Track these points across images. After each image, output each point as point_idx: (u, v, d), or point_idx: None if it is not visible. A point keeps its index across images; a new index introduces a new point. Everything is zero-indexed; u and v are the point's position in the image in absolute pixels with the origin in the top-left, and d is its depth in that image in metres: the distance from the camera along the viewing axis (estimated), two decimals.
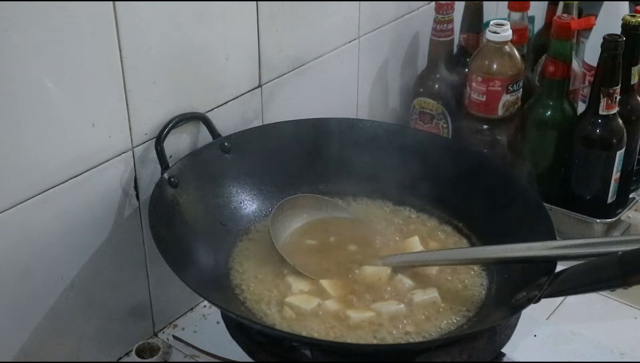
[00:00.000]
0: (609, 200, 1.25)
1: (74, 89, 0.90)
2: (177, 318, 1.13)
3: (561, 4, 1.35)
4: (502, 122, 1.27)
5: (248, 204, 1.09)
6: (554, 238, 0.96)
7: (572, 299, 1.13)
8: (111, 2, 0.91)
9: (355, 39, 1.30)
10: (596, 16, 1.33)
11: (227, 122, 1.11)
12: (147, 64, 0.98)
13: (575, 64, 1.29)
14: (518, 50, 1.27)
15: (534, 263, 0.92)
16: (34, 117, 0.87)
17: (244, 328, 0.91)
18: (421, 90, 1.38)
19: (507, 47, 1.24)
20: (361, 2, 1.28)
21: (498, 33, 1.23)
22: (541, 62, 1.30)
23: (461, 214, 1.10)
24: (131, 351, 1.06)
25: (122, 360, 1.07)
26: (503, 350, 0.92)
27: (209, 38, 1.05)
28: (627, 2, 1.37)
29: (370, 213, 1.13)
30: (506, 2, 1.36)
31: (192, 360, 1.06)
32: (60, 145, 0.91)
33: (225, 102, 1.11)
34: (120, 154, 0.98)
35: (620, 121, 1.20)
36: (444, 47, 1.35)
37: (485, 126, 1.28)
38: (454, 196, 1.11)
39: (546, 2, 1.44)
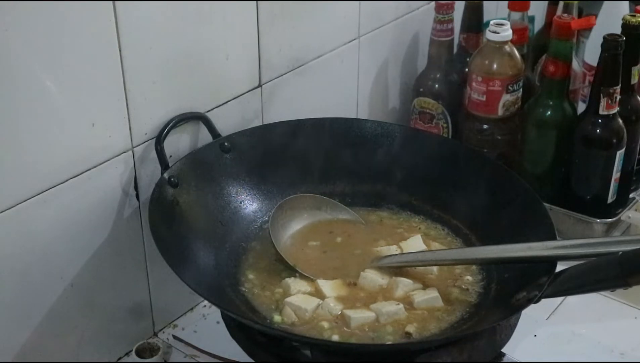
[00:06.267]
0: (609, 200, 1.25)
1: (74, 89, 0.90)
2: (177, 318, 1.13)
3: (561, 4, 1.35)
4: (502, 122, 1.27)
5: (248, 204, 1.09)
6: (554, 238, 0.96)
7: (572, 299, 1.13)
8: (111, 2, 0.91)
9: (355, 39, 1.30)
10: (596, 16, 1.33)
11: (227, 122, 1.11)
12: (147, 64, 0.98)
13: (575, 64, 1.29)
14: (518, 50, 1.27)
15: (534, 263, 0.92)
16: (34, 117, 0.87)
17: (244, 328, 0.91)
18: (421, 90, 1.38)
19: (507, 47, 1.24)
20: (361, 2, 1.28)
21: (498, 33, 1.23)
22: (541, 62, 1.30)
23: (461, 214, 1.10)
24: (131, 351, 1.05)
25: (122, 360, 1.07)
26: (503, 350, 0.92)
27: (209, 38, 1.05)
28: (627, 2, 1.37)
29: (370, 213, 1.13)
30: (506, 2, 1.36)
31: (192, 360, 1.06)
32: (60, 145, 0.91)
33: (225, 102, 1.11)
34: (120, 154, 0.98)
35: (620, 121, 1.20)
36: (444, 47, 1.35)
37: (485, 126, 1.28)
38: (454, 196, 1.11)
39: (546, 2, 1.44)
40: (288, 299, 0.96)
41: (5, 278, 0.90)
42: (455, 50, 1.38)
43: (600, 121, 1.19)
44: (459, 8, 1.36)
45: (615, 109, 1.19)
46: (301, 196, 1.10)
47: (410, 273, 1.00)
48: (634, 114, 1.24)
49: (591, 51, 1.32)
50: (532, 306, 0.87)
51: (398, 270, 1.01)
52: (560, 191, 1.26)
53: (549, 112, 1.24)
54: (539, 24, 1.46)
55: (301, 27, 1.19)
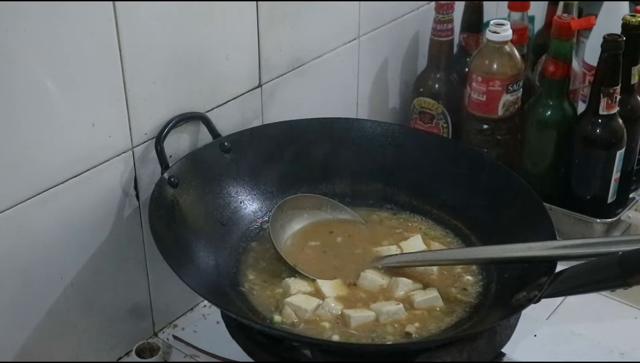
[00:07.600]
0: (609, 200, 1.25)
1: (74, 89, 0.90)
2: (177, 318, 1.13)
3: (561, 4, 1.35)
4: (502, 122, 1.27)
5: (248, 204, 1.09)
6: (554, 238, 0.96)
7: (572, 299, 1.13)
8: (111, 2, 0.91)
9: (355, 39, 1.30)
10: (596, 16, 1.33)
11: (227, 122, 1.11)
12: (147, 64, 0.98)
13: (575, 64, 1.29)
14: (518, 50, 1.27)
15: (534, 263, 0.92)
16: (34, 117, 0.87)
17: (244, 328, 0.91)
18: (421, 90, 1.38)
19: (507, 47, 1.24)
20: (361, 2, 1.28)
21: (498, 33, 1.23)
22: (541, 62, 1.30)
23: (461, 214, 1.10)
24: (131, 351, 1.05)
25: (122, 360, 1.07)
26: (503, 350, 0.92)
27: (209, 38, 1.05)
28: (627, 2, 1.37)
29: (370, 213, 1.13)
30: (506, 2, 1.36)
31: (192, 360, 1.06)
32: (60, 145, 0.91)
33: (225, 102, 1.11)
34: (120, 154, 0.98)
35: (620, 121, 1.20)
36: (444, 47, 1.35)
37: (485, 126, 1.28)
38: (454, 196, 1.11)
39: (546, 2, 1.44)
40: (288, 299, 0.96)
41: (5, 278, 0.90)
42: (455, 50, 1.38)
43: (600, 121, 1.19)
44: (459, 8, 1.36)
45: (615, 109, 1.19)
46: (301, 196, 1.10)
47: (410, 273, 1.00)
48: (634, 114, 1.24)
49: (591, 51, 1.32)
50: (532, 306, 0.87)
51: (398, 270, 1.01)
52: (560, 191, 1.26)
53: (549, 112, 1.24)
54: (539, 24, 1.46)
55: (301, 27, 1.19)
